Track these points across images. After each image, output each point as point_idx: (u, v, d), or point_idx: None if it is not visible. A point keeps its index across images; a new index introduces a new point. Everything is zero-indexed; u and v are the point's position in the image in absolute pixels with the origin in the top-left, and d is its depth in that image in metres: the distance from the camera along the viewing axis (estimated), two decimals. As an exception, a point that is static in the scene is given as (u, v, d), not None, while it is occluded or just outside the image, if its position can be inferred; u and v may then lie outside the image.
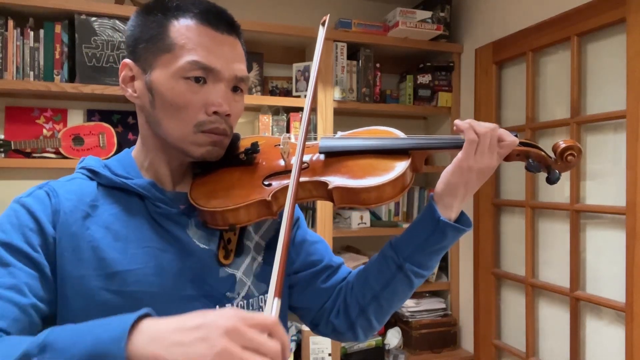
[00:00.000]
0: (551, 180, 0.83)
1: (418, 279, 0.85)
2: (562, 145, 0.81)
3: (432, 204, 0.82)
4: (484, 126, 0.79)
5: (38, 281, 0.69)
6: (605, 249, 1.74)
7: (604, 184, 1.75)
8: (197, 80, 0.75)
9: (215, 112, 0.76)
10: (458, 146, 0.81)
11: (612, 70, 1.71)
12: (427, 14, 2.35)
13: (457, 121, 0.81)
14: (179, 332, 0.52)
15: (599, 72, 1.77)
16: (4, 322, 0.63)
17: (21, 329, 0.65)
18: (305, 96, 1.71)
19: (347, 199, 0.77)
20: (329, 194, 0.78)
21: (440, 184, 0.82)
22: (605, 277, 1.74)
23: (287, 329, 0.76)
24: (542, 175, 0.85)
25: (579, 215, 1.82)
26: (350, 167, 0.80)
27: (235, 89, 0.80)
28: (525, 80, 2.06)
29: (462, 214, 0.85)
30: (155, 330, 0.53)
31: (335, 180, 0.78)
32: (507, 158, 0.82)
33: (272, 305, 0.58)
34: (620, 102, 1.65)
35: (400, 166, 0.79)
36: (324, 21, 0.85)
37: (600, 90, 1.77)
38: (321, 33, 0.83)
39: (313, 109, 2.26)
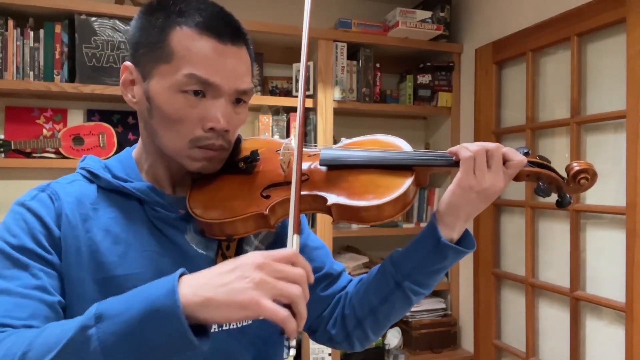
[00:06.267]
0: (562, 204, 0.78)
1: (417, 296, 0.83)
2: (576, 167, 0.77)
3: (433, 222, 0.79)
4: (478, 144, 0.76)
5: (57, 280, 0.70)
6: (605, 249, 1.74)
7: (604, 184, 1.74)
8: (195, 93, 0.72)
9: (212, 128, 0.73)
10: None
11: (612, 70, 1.71)
12: (427, 14, 2.35)
13: (450, 149, 0.78)
14: (219, 276, 0.57)
15: (599, 72, 1.77)
16: (37, 321, 0.64)
17: None
18: (306, 96, 1.69)
19: (346, 216, 0.75)
20: (327, 209, 0.76)
21: (442, 203, 0.79)
22: (605, 277, 1.74)
23: None
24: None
25: (579, 215, 1.82)
26: (350, 183, 0.77)
27: (238, 101, 0.77)
28: (525, 80, 2.06)
29: (466, 233, 0.81)
30: (197, 280, 0.58)
31: (334, 197, 0.75)
32: (517, 178, 0.78)
33: (292, 242, 0.64)
34: (620, 102, 1.65)
35: (402, 184, 0.75)
36: None
37: (600, 90, 1.77)
38: (307, 2, 0.77)
39: (313, 110, 2.26)
